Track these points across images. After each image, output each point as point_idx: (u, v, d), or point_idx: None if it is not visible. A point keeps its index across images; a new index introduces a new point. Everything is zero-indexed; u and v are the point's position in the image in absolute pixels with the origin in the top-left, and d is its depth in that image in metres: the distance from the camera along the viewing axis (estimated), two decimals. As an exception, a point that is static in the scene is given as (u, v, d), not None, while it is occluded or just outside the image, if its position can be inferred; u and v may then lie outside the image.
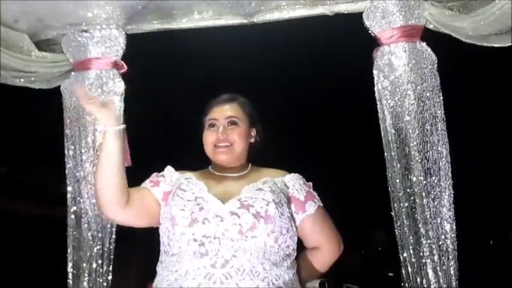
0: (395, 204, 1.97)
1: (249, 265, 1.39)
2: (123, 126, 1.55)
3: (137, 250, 3.83)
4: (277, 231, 1.45)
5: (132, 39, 2.28)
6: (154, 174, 1.70)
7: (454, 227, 1.89)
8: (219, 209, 1.47)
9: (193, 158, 1.72)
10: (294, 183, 1.63)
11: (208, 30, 2.27)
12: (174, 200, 1.53)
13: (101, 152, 1.54)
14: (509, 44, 1.76)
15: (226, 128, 1.64)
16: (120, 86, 2.24)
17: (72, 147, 2.21)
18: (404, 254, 1.94)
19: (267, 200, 1.48)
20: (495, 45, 1.81)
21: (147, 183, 1.66)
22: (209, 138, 1.64)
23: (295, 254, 1.56)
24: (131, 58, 2.26)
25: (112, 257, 2.13)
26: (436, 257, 1.90)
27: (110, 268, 2.12)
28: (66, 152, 2.22)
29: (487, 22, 1.77)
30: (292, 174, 1.67)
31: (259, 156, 1.75)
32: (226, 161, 1.64)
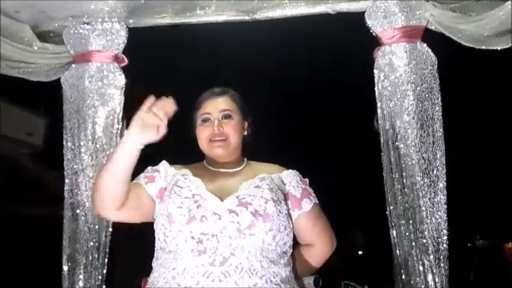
0: (391, 204, 1.98)
1: (247, 263, 1.38)
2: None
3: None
4: (275, 229, 1.45)
5: (134, 33, 2.29)
6: (149, 168, 1.66)
7: (446, 227, 1.91)
8: (217, 207, 1.46)
9: (186, 152, 1.71)
10: (291, 179, 1.62)
11: (209, 26, 2.27)
12: (171, 198, 1.51)
13: (115, 161, 1.45)
14: (508, 46, 1.76)
15: (220, 121, 1.62)
16: (120, 79, 2.23)
17: (71, 140, 2.20)
18: (398, 253, 1.95)
19: (265, 198, 1.47)
20: (494, 48, 1.81)
21: (141, 179, 1.61)
22: (204, 133, 1.62)
23: (292, 250, 1.55)
24: (132, 51, 2.26)
25: (107, 250, 2.13)
26: (431, 257, 1.91)
27: (105, 261, 2.12)
28: (64, 143, 2.22)
29: (493, 26, 1.78)
30: (290, 170, 1.65)
31: (252, 151, 1.74)
32: (222, 155, 1.62)
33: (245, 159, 1.70)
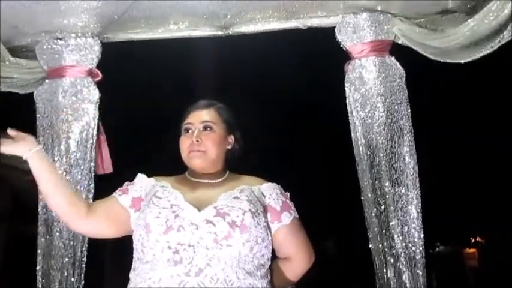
0: (367, 213, 2.03)
1: (223, 274, 1.39)
2: (37, 148, 1.56)
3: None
4: (253, 241, 1.45)
5: (108, 48, 2.29)
6: (126, 183, 1.69)
7: (422, 235, 1.96)
8: (194, 217, 1.46)
9: (169, 164, 1.72)
10: (271, 192, 1.62)
11: (186, 40, 2.30)
12: (149, 208, 1.51)
13: (37, 181, 1.56)
14: (469, 60, 1.83)
15: (201, 132, 1.63)
16: (94, 94, 2.24)
17: (45, 155, 2.18)
18: (376, 260, 1.99)
19: (243, 209, 1.48)
20: (458, 61, 1.88)
21: (116, 192, 1.65)
22: (184, 143, 1.63)
23: (269, 263, 1.56)
24: (106, 66, 2.26)
25: (84, 265, 2.11)
26: (404, 264, 1.95)
27: (82, 277, 2.10)
28: (38, 159, 2.19)
29: (458, 42, 1.85)
30: (270, 183, 1.66)
31: (236, 164, 1.76)
32: (200, 166, 1.62)
33: (227, 171, 1.70)
